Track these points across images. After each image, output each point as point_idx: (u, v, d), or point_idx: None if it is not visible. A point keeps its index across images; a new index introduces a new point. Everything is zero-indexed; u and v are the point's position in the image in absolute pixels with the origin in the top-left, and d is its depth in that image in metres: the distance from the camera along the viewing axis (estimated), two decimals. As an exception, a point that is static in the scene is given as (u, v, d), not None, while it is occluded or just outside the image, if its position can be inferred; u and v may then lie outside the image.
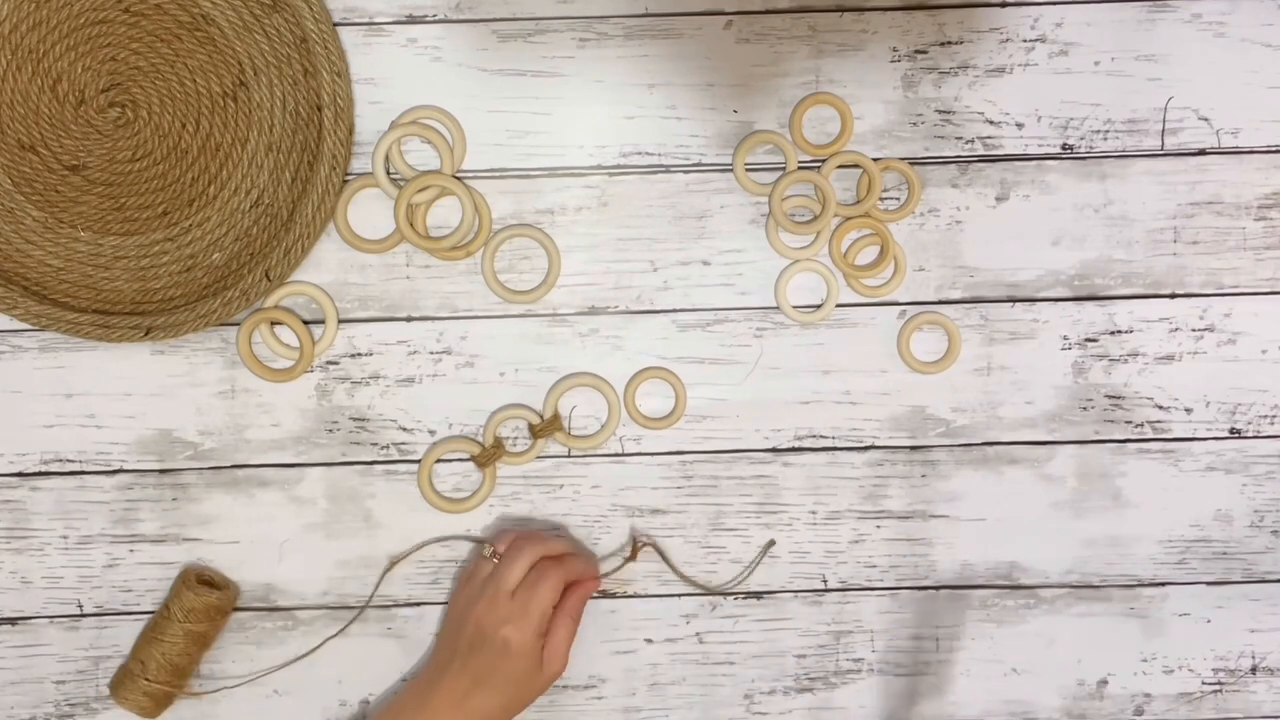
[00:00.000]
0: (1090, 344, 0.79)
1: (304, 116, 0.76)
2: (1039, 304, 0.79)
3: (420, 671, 0.77)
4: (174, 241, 0.78)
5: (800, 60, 0.78)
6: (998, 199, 0.79)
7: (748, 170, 0.78)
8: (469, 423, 0.79)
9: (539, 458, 0.79)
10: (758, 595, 0.80)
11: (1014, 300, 0.79)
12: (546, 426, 0.78)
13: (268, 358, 0.79)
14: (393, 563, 0.79)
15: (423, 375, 0.79)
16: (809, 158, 0.78)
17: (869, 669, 0.81)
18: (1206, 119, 0.78)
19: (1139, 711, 0.82)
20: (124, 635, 0.80)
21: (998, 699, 0.81)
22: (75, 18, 0.76)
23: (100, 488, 0.79)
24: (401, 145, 0.78)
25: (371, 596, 0.79)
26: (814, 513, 0.80)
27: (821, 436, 0.80)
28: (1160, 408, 0.80)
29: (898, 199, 0.79)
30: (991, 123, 0.78)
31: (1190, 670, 0.81)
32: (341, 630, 0.80)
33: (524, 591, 0.74)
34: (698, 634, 0.81)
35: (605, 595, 0.81)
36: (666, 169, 0.78)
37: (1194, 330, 0.79)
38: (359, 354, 0.79)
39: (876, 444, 0.80)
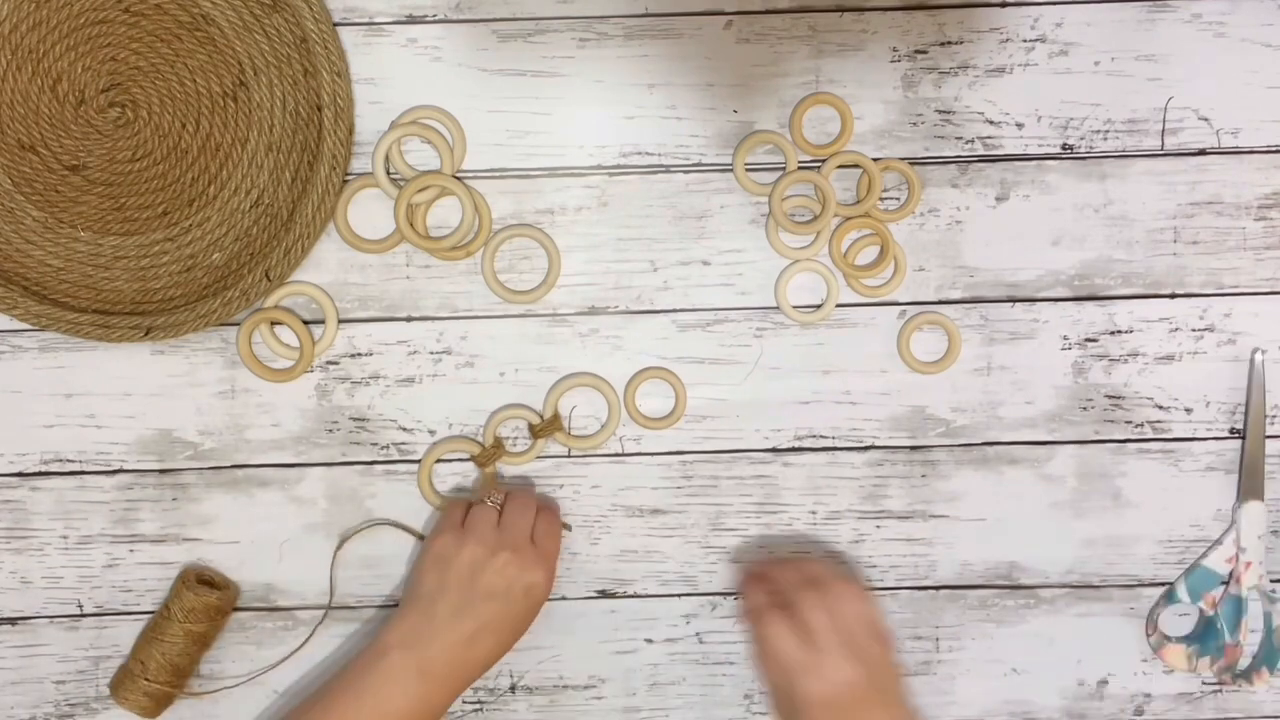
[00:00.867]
0: (1090, 344, 0.79)
1: (304, 116, 0.76)
2: (1039, 304, 0.79)
3: (395, 626, 0.73)
4: (174, 241, 0.78)
5: (800, 60, 0.78)
6: (998, 199, 0.79)
7: (748, 170, 0.78)
8: (469, 423, 0.79)
9: (539, 458, 0.79)
10: (758, 595, 0.80)
11: (1014, 300, 0.79)
12: (546, 426, 0.78)
13: (268, 358, 0.79)
14: (342, 540, 0.79)
15: (423, 375, 0.79)
16: (809, 158, 0.78)
17: (869, 669, 0.81)
18: (1206, 119, 0.78)
19: (1139, 711, 0.82)
20: (124, 635, 0.80)
21: (998, 699, 0.81)
22: (75, 18, 0.76)
23: (100, 488, 0.79)
24: (401, 145, 0.78)
25: (332, 587, 0.79)
26: (814, 513, 0.80)
27: (821, 436, 0.80)
28: (1160, 408, 0.80)
29: (898, 199, 0.79)
30: (991, 123, 0.78)
31: (1190, 670, 0.81)
32: (313, 631, 0.80)
33: (541, 539, 0.74)
34: (698, 634, 0.81)
35: (605, 595, 0.81)
36: (666, 169, 0.78)
37: (1194, 330, 0.79)
38: (359, 354, 0.79)
39: (876, 444, 0.80)
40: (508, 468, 0.79)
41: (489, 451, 0.78)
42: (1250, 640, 0.80)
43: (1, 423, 0.79)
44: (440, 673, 0.72)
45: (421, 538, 0.79)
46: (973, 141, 0.78)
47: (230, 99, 0.77)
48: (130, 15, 0.76)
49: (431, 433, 0.79)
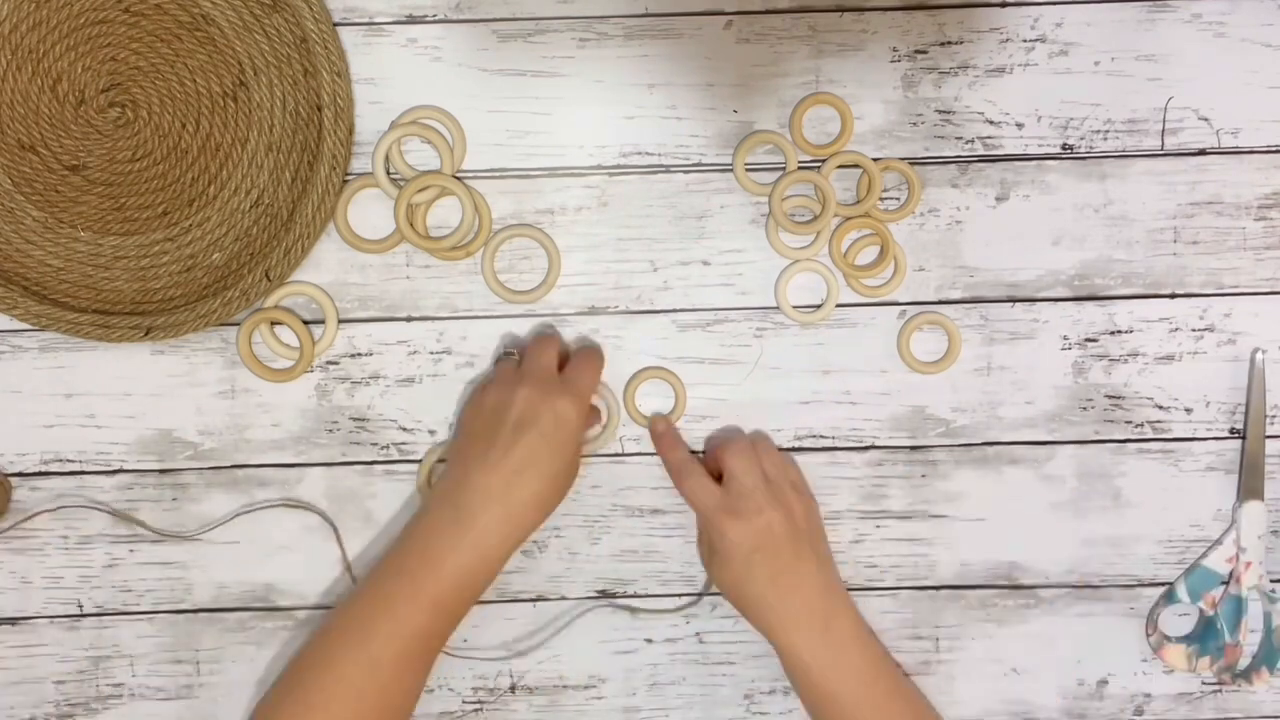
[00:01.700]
0: (1090, 344, 0.79)
1: (304, 116, 0.76)
2: (1039, 304, 0.79)
3: (438, 487, 0.74)
4: (174, 241, 0.78)
5: (800, 60, 0.78)
6: (998, 199, 0.79)
7: (748, 170, 0.78)
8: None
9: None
10: (758, 595, 0.80)
11: (1014, 300, 0.79)
12: None
13: (268, 358, 0.79)
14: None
15: (423, 375, 0.79)
16: (809, 158, 0.78)
17: (869, 669, 0.81)
18: (1206, 119, 0.78)
19: (1139, 711, 0.82)
20: (124, 635, 0.80)
21: (998, 699, 0.81)
22: (75, 18, 0.76)
23: (100, 488, 0.79)
24: (401, 145, 0.78)
25: None
26: (814, 513, 0.80)
27: (821, 436, 0.80)
28: (1160, 408, 0.80)
29: (898, 199, 0.79)
30: (991, 123, 0.78)
31: (1190, 670, 0.81)
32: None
33: (570, 373, 0.74)
34: (698, 634, 0.81)
35: (606, 595, 0.81)
36: (666, 169, 0.78)
37: (1194, 330, 0.79)
38: (359, 354, 0.79)
39: (876, 444, 0.80)
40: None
41: None
42: (1250, 640, 0.80)
43: (1, 423, 0.79)
44: (482, 515, 0.71)
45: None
46: (973, 141, 0.78)
47: (230, 99, 0.77)
48: (130, 15, 0.76)
49: (432, 433, 0.79)
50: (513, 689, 0.81)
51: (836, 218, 0.78)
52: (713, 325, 0.79)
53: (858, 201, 0.78)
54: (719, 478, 0.76)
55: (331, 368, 0.79)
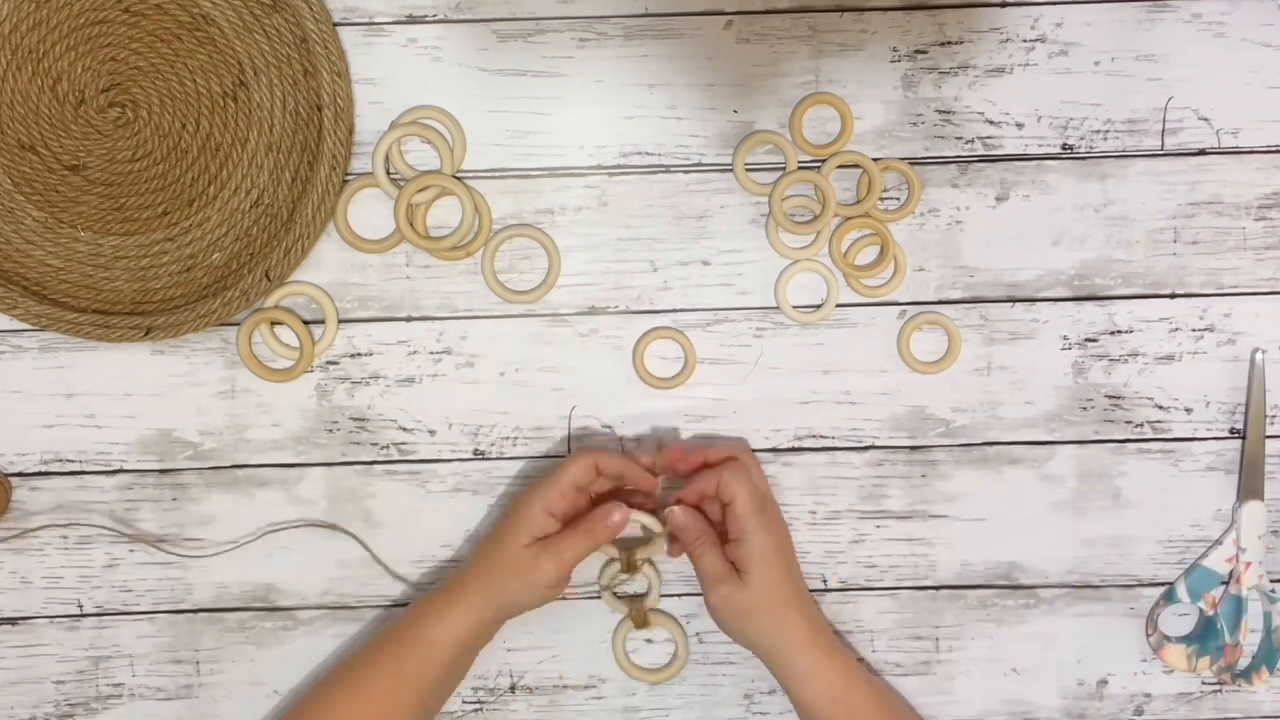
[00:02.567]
0: (1090, 344, 0.79)
1: (304, 116, 0.76)
2: (1039, 304, 0.79)
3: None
4: (174, 241, 0.78)
5: (800, 60, 0.78)
6: (998, 199, 0.79)
7: (748, 170, 0.78)
8: (469, 423, 0.79)
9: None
10: (758, 595, 0.80)
11: (1014, 300, 0.79)
12: (630, 561, 0.77)
13: (268, 358, 0.79)
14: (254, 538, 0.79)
15: (423, 375, 0.79)
16: (809, 158, 0.78)
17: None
18: (1206, 119, 0.78)
19: (1139, 711, 0.82)
20: (124, 635, 0.80)
21: (998, 699, 0.81)
22: (75, 18, 0.76)
23: (100, 488, 0.79)
24: (401, 145, 0.78)
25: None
26: (814, 513, 0.80)
27: (821, 436, 0.80)
28: (1160, 408, 0.80)
29: (898, 199, 0.79)
30: (991, 123, 0.78)
31: (1190, 670, 0.81)
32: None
33: (565, 535, 0.75)
34: (698, 634, 0.81)
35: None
36: (666, 169, 0.78)
37: (1194, 330, 0.79)
38: (359, 354, 0.79)
39: (876, 444, 0.80)
40: (507, 465, 0.79)
41: (637, 614, 0.79)
42: (1250, 640, 0.80)
43: (1, 423, 0.79)
44: (470, 590, 0.74)
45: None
46: (973, 141, 0.78)
47: (230, 99, 0.77)
48: (130, 15, 0.76)
49: (432, 433, 0.79)
50: (513, 689, 0.81)
51: (836, 218, 0.78)
52: (713, 325, 0.79)
53: (858, 201, 0.78)
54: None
55: (331, 368, 0.79)
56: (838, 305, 0.79)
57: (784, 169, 0.78)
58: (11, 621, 0.80)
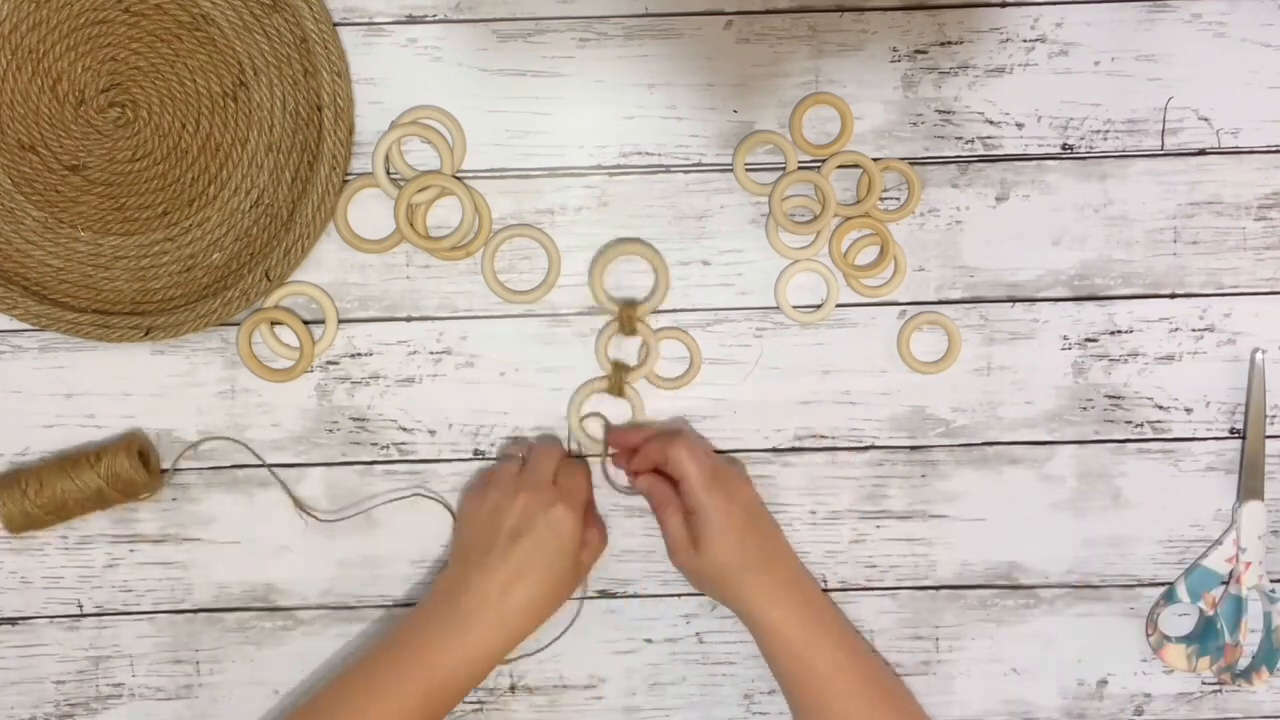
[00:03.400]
0: (1090, 344, 0.79)
1: (304, 116, 0.76)
2: (1039, 304, 0.79)
3: (437, 582, 0.75)
4: (174, 241, 0.78)
5: (800, 60, 0.78)
6: (998, 199, 0.79)
7: (748, 170, 0.78)
8: (469, 422, 0.79)
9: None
10: (758, 595, 0.80)
11: (1014, 300, 0.79)
12: (615, 380, 0.78)
13: (268, 358, 0.79)
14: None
15: (423, 375, 0.79)
16: (809, 158, 0.78)
17: (869, 669, 0.81)
18: (1206, 119, 0.78)
19: (1139, 711, 0.82)
20: (124, 635, 0.80)
21: (998, 699, 0.81)
22: (75, 18, 0.76)
23: (100, 488, 0.79)
24: (401, 145, 0.78)
25: None
26: (814, 513, 0.80)
27: (821, 436, 0.80)
28: (1160, 408, 0.80)
29: (898, 199, 0.79)
30: (991, 123, 0.78)
31: (1190, 670, 0.81)
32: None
33: (565, 480, 0.75)
34: (698, 634, 0.81)
35: (606, 595, 0.81)
36: (666, 169, 0.78)
37: (1194, 330, 0.79)
38: (359, 354, 0.79)
39: (876, 444, 0.80)
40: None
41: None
42: (1250, 640, 0.80)
43: (1, 423, 0.79)
44: (478, 620, 0.72)
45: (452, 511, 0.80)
46: (973, 141, 0.78)
47: (230, 99, 0.77)
48: (130, 15, 0.76)
49: (432, 433, 0.79)
50: (513, 689, 0.81)
51: (836, 218, 0.78)
52: (713, 325, 0.79)
53: (858, 201, 0.78)
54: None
55: (331, 368, 0.79)
56: (838, 305, 0.79)
57: (784, 169, 0.78)
58: (11, 621, 0.80)
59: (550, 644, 0.80)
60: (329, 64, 0.75)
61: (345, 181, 0.77)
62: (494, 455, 0.79)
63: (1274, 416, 0.80)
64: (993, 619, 0.81)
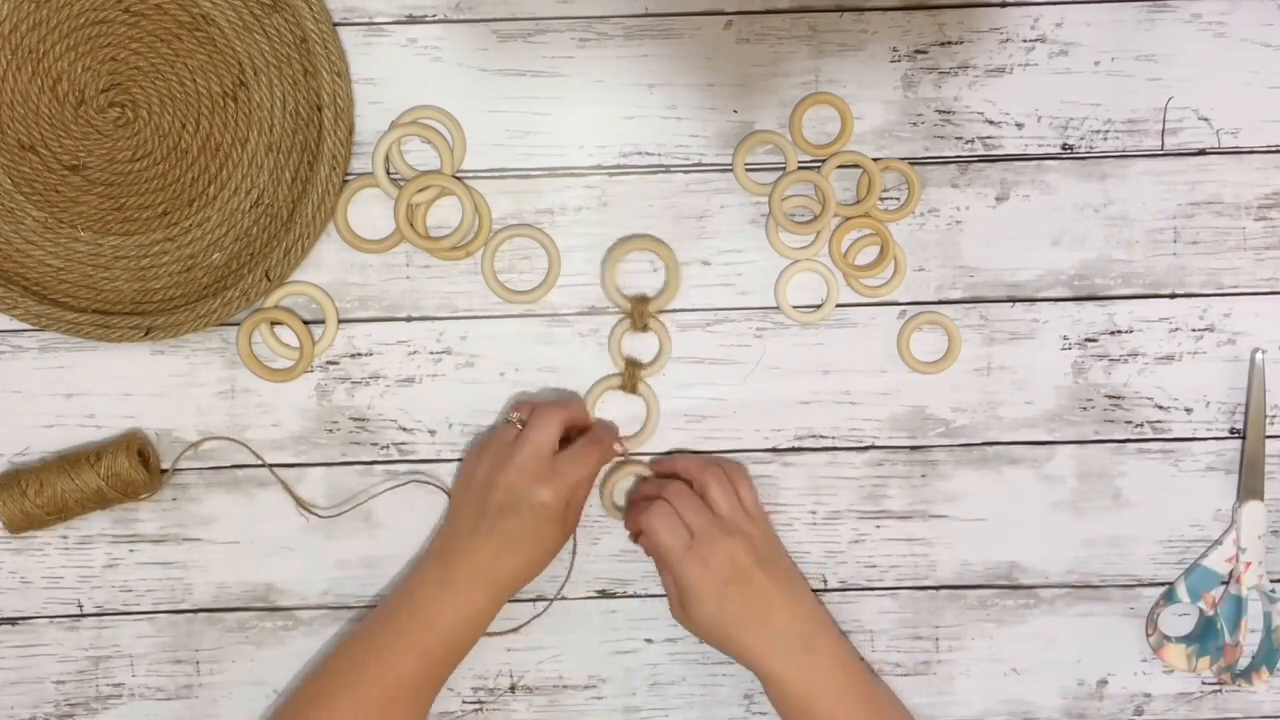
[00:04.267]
0: (1090, 344, 0.79)
1: (304, 116, 0.76)
2: (1039, 304, 0.79)
3: (434, 542, 0.77)
4: (174, 241, 0.78)
5: (800, 60, 0.78)
6: (998, 199, 0.79)
7: (748, 170, 0.78)
8: (469, 422, 0.79)
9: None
10: (758, 595, 0.80)
11: (1014, 300, 0.79)
12: (630, 378, 0.78)
13: (268, 358, 0.79)
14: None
15: (423, 375, 0.79)
16: (809, 158, 0.78)
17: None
18: (1206, 119, 0.78)
19: (1139, 711, 0.82)
20: (124, 635, 0.80)
21: (998, 699, 0.81)
22: (75, 18, 0.76)
23: (100, 488, 0.79)
24: (401, 145, 0.78)
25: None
26: (814, 513, 0.80)
27: (821, 436, 0.80)
28: (1160, 408, 0.80)
29: (898, 199, 0.79)
30: (991, 123, 0.78)
31: (1190, 670, 0.81)
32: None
33: (564, 459, 0.74)
34: (698, 634, 0.81)
35: (605, 595, 0.81)
36: (666, 169, 0.78)
37: (1194, 330, 0.79)
38: (359, 354, 0.79)
39: (876, 444, 0.80)
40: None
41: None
42: (1250, 640, 0.80)
43: (1, 423, 0.79)
44: (471, 585, 0.73)
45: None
46: (973, 141, 0.78)
47: (230, 99, 0.77)
48: (130, 15, 0.76)
49: (432, 433, 0.79)
50: (513, 689, 0.81)
51: (836, 218, 0.78)
52: (713, 325, 0.79)
53: (858, 201, 0.78)
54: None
55: (331, 368, 0.79)
56: (838, 305, 0.79)
57: (784, 169, 0.78)
58: (11, 621, 0.80)
59: (544, 609, 0.80)
60: (329, 64, 0.75)
61: (345, 181, 0.77)
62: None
63: (1274, 416, 0.80)
64: (993, 619, 0.81)
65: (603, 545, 0.80)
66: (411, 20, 0.77)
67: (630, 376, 0.78)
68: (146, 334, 0.76)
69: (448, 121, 0.77)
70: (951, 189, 0.79)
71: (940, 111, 0.78)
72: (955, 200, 0.79)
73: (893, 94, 0.78)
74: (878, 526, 0.80)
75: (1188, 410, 0.80)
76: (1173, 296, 0.79)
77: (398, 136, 0.77)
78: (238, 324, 0.78)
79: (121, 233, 0.77)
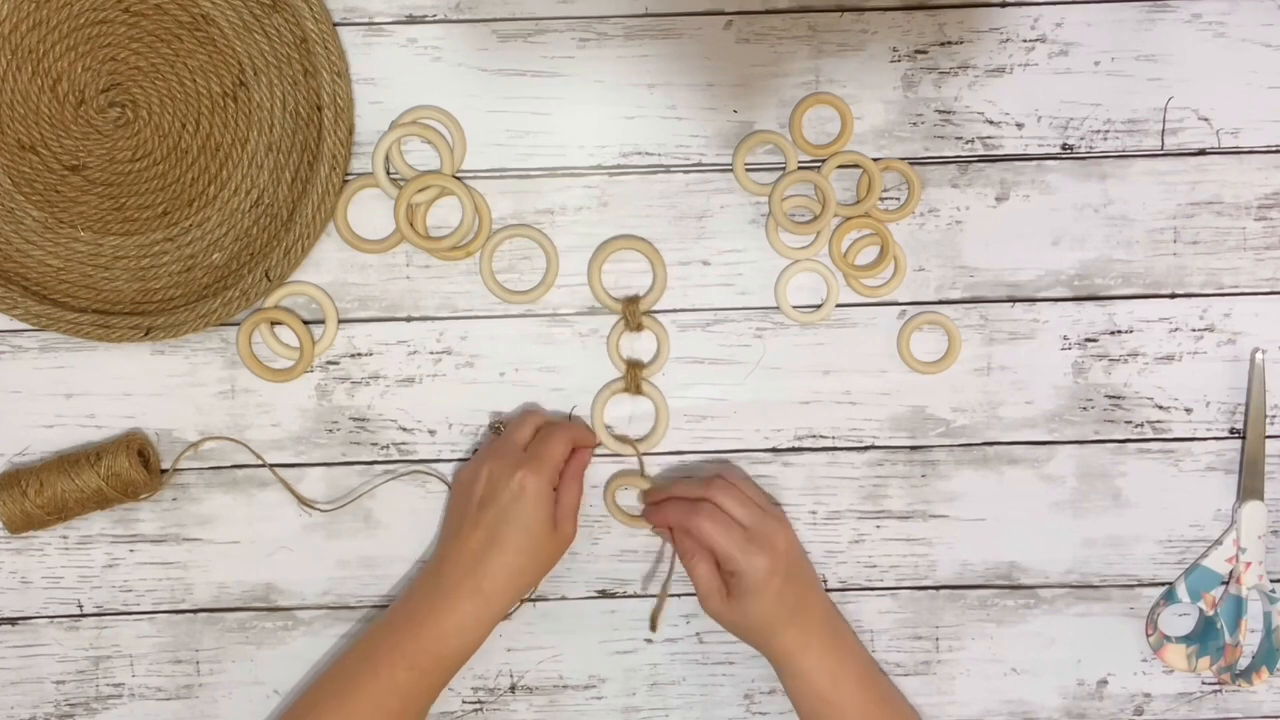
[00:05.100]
0: (1090, 344, 0.79)
1: (304, 116, 0.76)
2: (1039, 304, 0.79)
3: (429, 559, 0.78)
4: (174, 241, 0.78)
5: (800, 60, 0.78)
6: (998, 199, 0.79)
7: (748, 170, 0.78)
8: (469, 422, 0.79)
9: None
10: (758, 595, 0.80)
11: (1014, 300, 0.79)
12: (632, 378, 0.78)
13: (268, 358, 0.79)
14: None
15: (423, 375, 0.79)
16: (809, 158, 0.78)
17: (869, 669, 0.81)
18: (1206, 119, 0.78)
19: (1139, 711, 0.82)
20: (124, 635, 0.80)
21: (998, 699, 0.81)
22: (75, 18, 0.76)
23: (100, 488, 0.79)
24: (401, 145, 0.78)
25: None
26: (814, 513, 0.80)
27: (821, 436, 0.80)
28: (1160, 408, 0.80)
29: (898, 199, 0.79)
30: (991, 123, 0.78)
31: (1190, 670, 0.81)
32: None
33: (534, 445, 0.75)
34: (698, 634, 0.81)
35: (605, 595, 0.81)
36: (666, 169, 0.78)
37: (1194, 330, 0.79)
38: (359, 354, 0.79)
39: (876, 444, 0.80)
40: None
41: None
42: (1250, 640, 0.80)
43: (1, 423, 0.79)
44: (457, 589, 0.73)
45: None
46: (973, 141, 0.78)
47: (230, 99, 0.77)
48: (130, 15, 0.76)
49: (432, 433, 0.79)
50: (513, 689, 0.81)
51: (836, 218, 0.78)
52: (713, 325, 0.79)
53: (858, 201, 0.78)
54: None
55: (331, 368, 0.79)
56: (838, 305, 0.79)
57: (784, 169, 0.78)
58: (11, 621, 0.80)
59: (536, 598, 0.80)
60: (329, 64, 0.75)
61: (345, 181, 0.77)
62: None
63: (1274, 416, 0.80)
64: (993, 619, 0.81)
65: (603, 545, 0.80)
66: (411, 20, 0.77)
67: (632, 378, 0.78)
68: (146, 334, 0.76)
69: (448, 121, 0.77)
70: (951, 189, 0.79)
71: (940, 111, 0.78)
72: (955, 200, 0.79)
73: (893, 94, 0.78)
74: (878, 526, 0.80)
75: (1188, 410, 0.80)
76: (1173, 296, 0.79)
77: (398, 136, 0.77)
78: (238, 324, 0.78)
79: (121, 233, 0.77)
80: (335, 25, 0.76)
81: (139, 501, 0.78)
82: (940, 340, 0.79)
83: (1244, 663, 0.80)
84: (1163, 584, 0.81)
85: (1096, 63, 0.78)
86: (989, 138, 0.78)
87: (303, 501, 0.79)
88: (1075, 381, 0.80)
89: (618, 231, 0.79)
